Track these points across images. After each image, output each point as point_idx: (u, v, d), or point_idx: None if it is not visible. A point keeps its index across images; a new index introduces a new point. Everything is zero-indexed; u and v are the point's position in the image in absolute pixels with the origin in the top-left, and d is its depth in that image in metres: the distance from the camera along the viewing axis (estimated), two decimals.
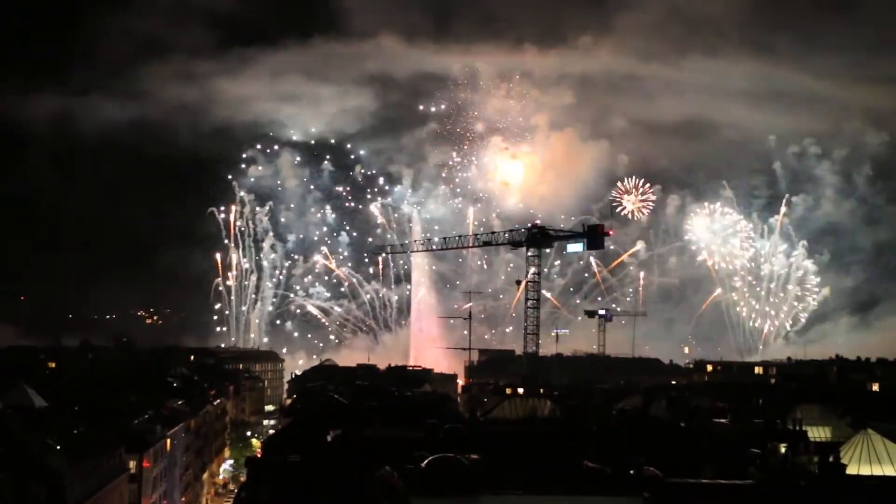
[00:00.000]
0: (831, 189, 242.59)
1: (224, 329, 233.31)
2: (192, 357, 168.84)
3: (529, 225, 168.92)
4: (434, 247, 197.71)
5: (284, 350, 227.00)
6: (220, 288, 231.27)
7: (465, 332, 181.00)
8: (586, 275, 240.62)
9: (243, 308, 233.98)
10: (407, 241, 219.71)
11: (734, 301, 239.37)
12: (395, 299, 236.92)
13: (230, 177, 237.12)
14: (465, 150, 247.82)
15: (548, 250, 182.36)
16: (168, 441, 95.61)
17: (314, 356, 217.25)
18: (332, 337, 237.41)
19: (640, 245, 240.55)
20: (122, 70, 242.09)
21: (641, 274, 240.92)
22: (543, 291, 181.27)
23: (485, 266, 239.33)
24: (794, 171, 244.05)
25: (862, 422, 69.92)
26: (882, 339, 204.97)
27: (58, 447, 65.19)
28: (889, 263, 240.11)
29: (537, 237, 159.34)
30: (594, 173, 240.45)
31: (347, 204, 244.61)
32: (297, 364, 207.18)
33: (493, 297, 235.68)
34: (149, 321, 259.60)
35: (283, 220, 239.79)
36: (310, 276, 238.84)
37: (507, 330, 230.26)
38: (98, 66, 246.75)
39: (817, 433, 78.04)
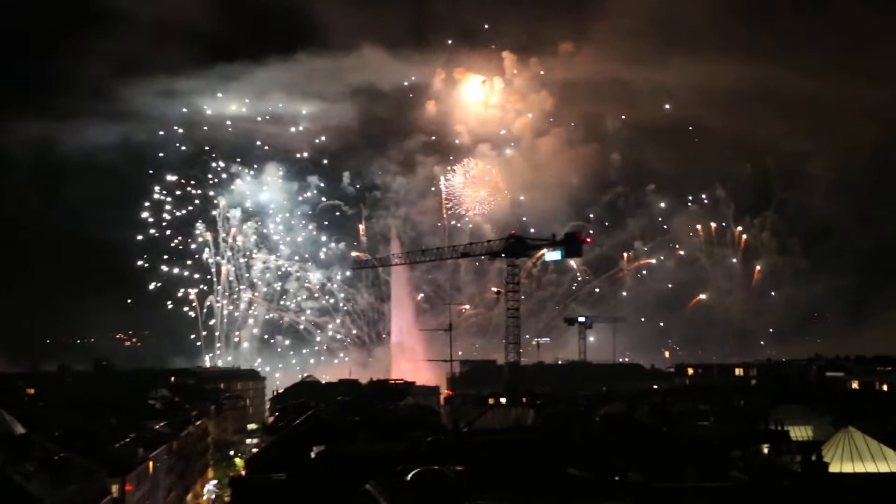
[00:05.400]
0: (824, 187, 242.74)
1: (217, 347, 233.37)
2: (172, 378, 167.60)
3: (507, 235, 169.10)
4: (413, 259, 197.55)
5: (273, 367, 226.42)
6: (208, 305, 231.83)
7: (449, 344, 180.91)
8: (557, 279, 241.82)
9: (227, 325, 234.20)
10: (388, 255, 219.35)
11: (722, 302, 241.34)
12: (386, 311, 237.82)
13: (216, 193, 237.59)
14: (451, 160, 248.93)
15: (527, 259, 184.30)
16: (150, 463, 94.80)
17: (297, 370, 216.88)
18: (325, 350, 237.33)
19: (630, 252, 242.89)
20: (104, 91, 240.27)
21: (626, 279, 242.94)
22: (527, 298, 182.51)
23: (467, 275, 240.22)
24: (785, 169, 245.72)
25: (843, 420, 70.35)
26: (872, 337, 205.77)
27: (39, 474, 64.56)
28: (882, 263, 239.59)
29: (515, 246, 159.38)
30: (583, 178, 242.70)
31: (335, 217, 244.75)
32: (279, 381, 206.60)
33: (485, 306, 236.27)
34: (128, 343, 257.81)
35: (271, 235, 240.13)
36: (300, 291, 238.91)
37: (493, 340, 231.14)
38: (80, 89, 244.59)
39: (799, 433, 78.32)
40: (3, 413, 79.85)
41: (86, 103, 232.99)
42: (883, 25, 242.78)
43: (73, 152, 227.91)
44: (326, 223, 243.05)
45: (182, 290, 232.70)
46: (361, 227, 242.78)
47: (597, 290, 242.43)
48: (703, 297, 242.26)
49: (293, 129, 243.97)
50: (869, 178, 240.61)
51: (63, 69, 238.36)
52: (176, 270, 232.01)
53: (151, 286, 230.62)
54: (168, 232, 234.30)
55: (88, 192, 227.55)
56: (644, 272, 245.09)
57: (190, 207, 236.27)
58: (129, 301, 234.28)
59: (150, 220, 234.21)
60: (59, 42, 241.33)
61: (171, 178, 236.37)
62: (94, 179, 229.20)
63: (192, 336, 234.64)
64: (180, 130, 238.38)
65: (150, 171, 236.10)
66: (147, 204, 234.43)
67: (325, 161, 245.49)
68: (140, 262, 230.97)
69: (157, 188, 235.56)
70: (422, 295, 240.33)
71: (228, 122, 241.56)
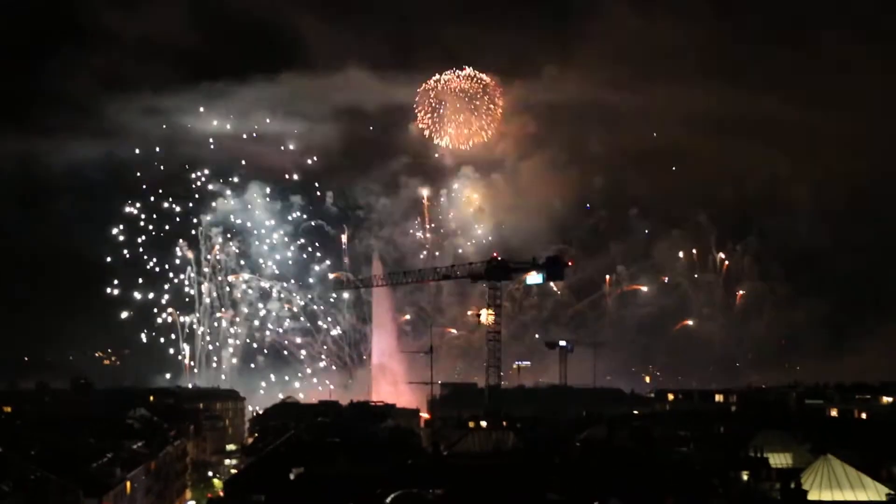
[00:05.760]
0: (805, 213, 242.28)
1: (194, 367, 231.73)
2: (151, 397, 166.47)
3: (489, 258, 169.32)
4: (395, 280, 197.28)
5: (253, 387, 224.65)
6: (188, 325, 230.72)
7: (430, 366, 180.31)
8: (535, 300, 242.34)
9: (208, 345, 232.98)
10: (370, 275, 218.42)
11: (703, 328, 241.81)
12: (367, 332, 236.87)
13: (198, 212, 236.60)
14: (435, 182, 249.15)
15: (509, 282, 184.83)
16: (128, 484, 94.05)
17: (277, 391, 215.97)
18: (307, 371, 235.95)
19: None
20: (88, 108, 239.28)
21: (608, 303, 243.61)
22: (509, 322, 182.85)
23: (450, 297, 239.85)
24: (767, 195, 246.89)
25: (822, 448, 70.62)
26: (851, 364, 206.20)
27: (15, 493, 64.05)
28: (861, 290, 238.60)
29: (496, 270, 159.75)
30: (565, 201, 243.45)
31: (318, 237, 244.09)
32: (259, 402, 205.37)
33: (466, 328, 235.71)
34: (107, 362, 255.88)
35: (253, 255, 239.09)
36: (282, 311, 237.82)
37: (474, 362, 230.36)
38: (63, 106, 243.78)
39: (778, 460, 78.52)
40: None
41: (68, 119, 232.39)
42: (863, 54, 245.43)
43: (56, 168, 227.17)
44: (315, 244, 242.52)
45: (161, 311, 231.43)
46: (343, 239, 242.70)
47: (575, 318, 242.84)
48: (689, 322, 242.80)
49: (280, 148, 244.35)
50: (849, 206, 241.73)
51: (46, 85, 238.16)
52: (155, 291, 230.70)
53: (124, 315, 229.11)
54: (145, 254, 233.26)
55: (69, 209, 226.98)
56: (625, 296, 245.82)
57: (167, 227, 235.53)
58: (108, 319, 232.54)
59: (128, 239, 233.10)
60: (44, 57, 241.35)
61: (152, 196, 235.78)
62: (75, 196, 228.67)
63: (172, 356, 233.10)
64: (158, 149, 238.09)
65: (131, 189, 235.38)
66: (122, 226, 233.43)
67: (309, 181, 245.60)
68: (115, 282, 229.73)
69: (137, 205, 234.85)
70: (407, 317, 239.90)
71: (211, 141, 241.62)
